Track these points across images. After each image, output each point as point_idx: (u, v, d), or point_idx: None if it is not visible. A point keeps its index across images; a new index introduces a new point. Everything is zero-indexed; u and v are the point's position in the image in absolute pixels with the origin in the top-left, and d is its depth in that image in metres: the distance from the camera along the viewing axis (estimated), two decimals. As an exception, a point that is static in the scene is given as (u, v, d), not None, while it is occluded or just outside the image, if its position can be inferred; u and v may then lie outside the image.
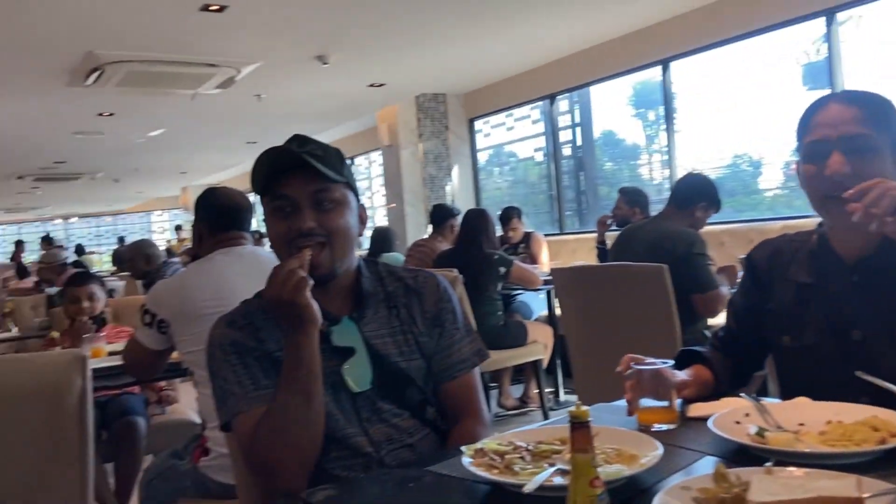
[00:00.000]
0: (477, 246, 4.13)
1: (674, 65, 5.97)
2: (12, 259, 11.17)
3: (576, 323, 2.95)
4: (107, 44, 5.09)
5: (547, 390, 4.48)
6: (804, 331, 1.34)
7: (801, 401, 1.27)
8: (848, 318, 1.27)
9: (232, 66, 5.76)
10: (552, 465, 1.07)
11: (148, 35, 5.00)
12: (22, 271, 8.70)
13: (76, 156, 10.21)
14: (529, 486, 0.94)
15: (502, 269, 4.08)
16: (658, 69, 6.06)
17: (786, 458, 0.98)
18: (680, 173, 5.79)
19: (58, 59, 5.39)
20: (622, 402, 1.49)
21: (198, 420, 2.75)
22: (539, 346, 4.25)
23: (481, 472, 1.05)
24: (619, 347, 2.78)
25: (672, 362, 1.31)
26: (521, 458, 1.10)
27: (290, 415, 1.24)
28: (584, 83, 6.79)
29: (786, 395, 1.40)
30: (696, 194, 3.23)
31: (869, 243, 1.27)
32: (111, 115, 7.56)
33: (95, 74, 5.55)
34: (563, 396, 4.61)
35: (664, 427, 1.26)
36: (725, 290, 2.94)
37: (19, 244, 13.14)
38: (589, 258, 5.44)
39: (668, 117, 6.05)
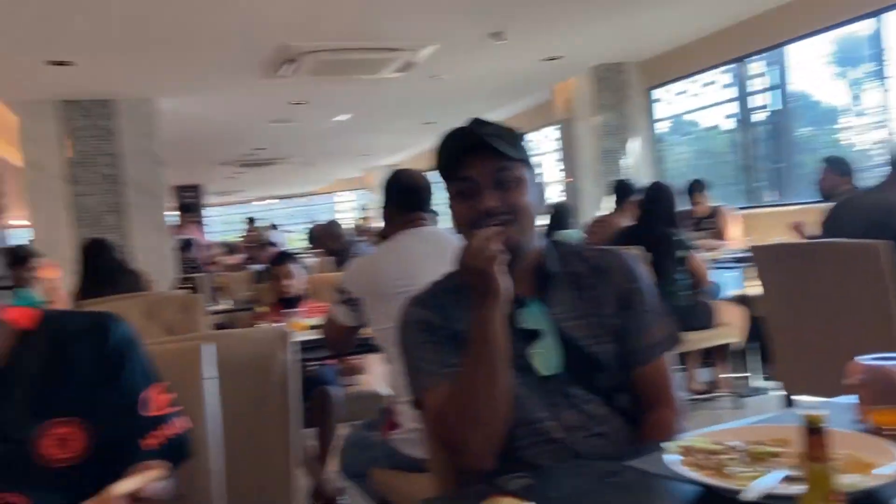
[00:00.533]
0: (654, 223, 3.94)
1: (887, 16, 5.28)
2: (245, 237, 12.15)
3: (779, 305, 2.71)
4: (298, 35, 5.41)
5: (738, 375, 4.20)
6: None
7: None
8: None
9: (411, 48, 5.90)
10: (769, 468, 0.97)
11: (335, 24, 5.25)
12: (232, 249, 9.61)
13: (272, 142, 11.04)
14: (749, 494, 0.85)
15: (680, 254, 3.85)
16: (867, 22, 5.39)
17: None
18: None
19: (254, 53, 5.82)
20: (846, 399, 1.33)
21: (385, 392, 2.87)
22: (731, 328, 3.99)
23: (690, 473, 0.97)
24: (829, 334, 2.55)
25: None
26: (734, 459, 1.01)
27: (474, 391, 1.24)
28: (778, 43, 6.21)
29: None
30: (925, 159, 2.84)
31: None
32: (302, 103, 8.07)
33: (288, 65, 5.93)
34: (759, 382, 4.30)
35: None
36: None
37: (251, 221, 14.03)
38: (784, 233, 5.01)
39: (881, 74, 5.38)
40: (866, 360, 1.15)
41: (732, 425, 1.19)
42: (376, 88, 7.12)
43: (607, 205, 5.91)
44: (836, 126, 6.56)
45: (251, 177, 15.41)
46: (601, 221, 4.86)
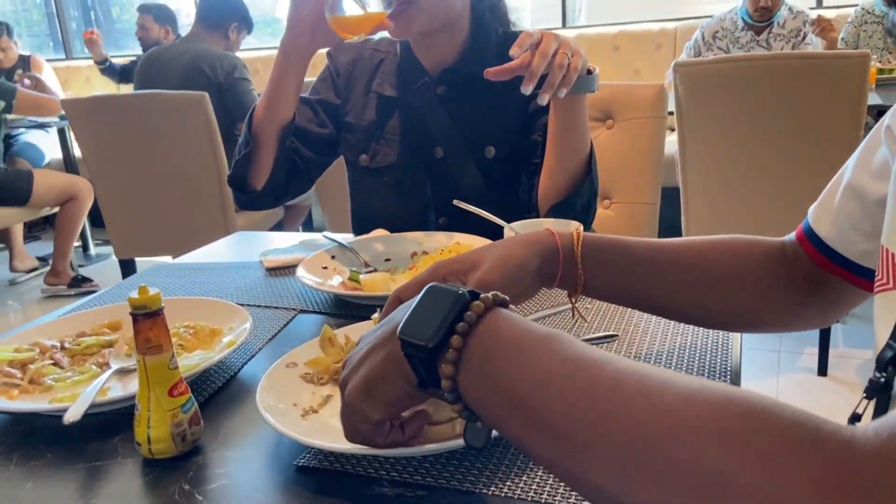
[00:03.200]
0: None
1: None
2: None
3: (104, 164, 2.46)
4: None
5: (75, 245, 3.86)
6: (384, 150, 1.21)
7: (380, 234, 1.18)
8: (431, 134, 1.18)
9: None
10: (105, 366, 0.77)
11: None
12: None
13: None
14: (72, 414, 0.64)
15: (1, 103, 3.17)
16: None
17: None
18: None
19: None
20: (187, 261, 1.23)
21: None
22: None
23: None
24: (161, 188, 2.45)
25: None
26: (56, 364, 0.78)
27: None
28: None
29: (359, 223, 1.30)
30: (228, 14, 2.94)
31: (452, 51, 1.17)
32: None
33: None
34: (93, 250, 4.04)
35: (355, 38, 1.03)
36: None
37: None
38: (108, 88, 4.70)
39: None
40: None
41: (50, 317, 0.94)
42: None
43: None
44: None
45: None
46: None
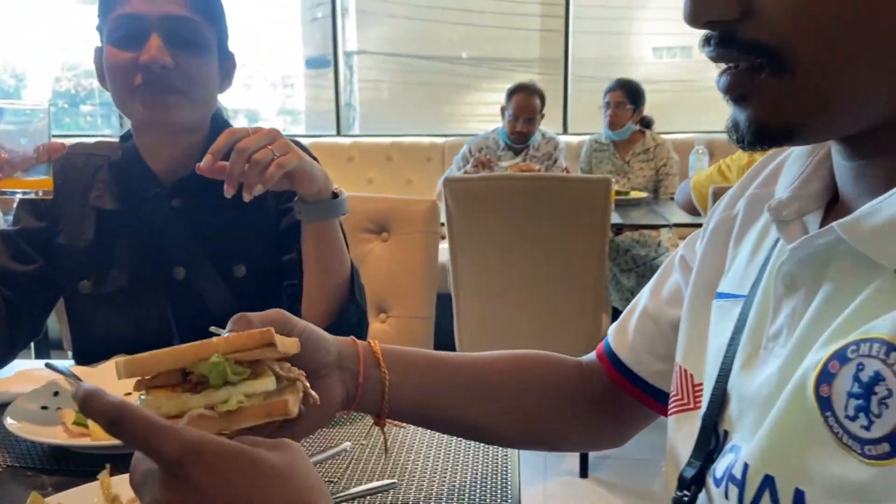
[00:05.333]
0: None
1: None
2: None
3: None
4: None
5: None
6: (111, 273, 1.04)
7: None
8: (169, 252, 1.03)
9: None
10: None
11: None
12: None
13: None
14: None
15: None
16: None
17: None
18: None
19: None
20: None
21: None
22: None
23: None
24: None
25: None
26: None
27: None
28: None
29: (84, 354, 1.08)
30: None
31: (188, 158, 1.03)
32: None
33: None
34: None
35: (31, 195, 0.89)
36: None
37: None
38: None
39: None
40: None
41: None
42: None
43: None
44: None
45: None
46: None
